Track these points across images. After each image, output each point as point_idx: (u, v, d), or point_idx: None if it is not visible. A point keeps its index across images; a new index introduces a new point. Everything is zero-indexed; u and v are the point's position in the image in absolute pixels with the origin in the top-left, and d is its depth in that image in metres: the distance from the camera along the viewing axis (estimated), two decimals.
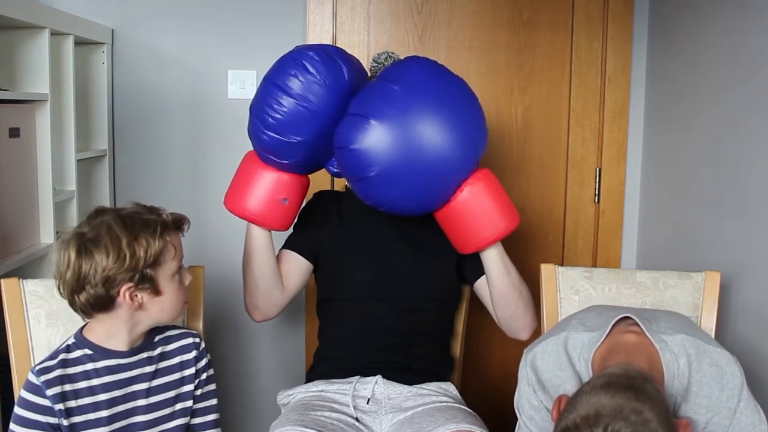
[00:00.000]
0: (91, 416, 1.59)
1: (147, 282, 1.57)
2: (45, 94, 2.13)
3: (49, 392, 1.55)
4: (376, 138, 1.80)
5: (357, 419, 1.91)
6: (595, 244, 2.78)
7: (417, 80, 1.88)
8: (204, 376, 1.74)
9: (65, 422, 1.56)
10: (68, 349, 1.64)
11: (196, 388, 1.72)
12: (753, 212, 1.86)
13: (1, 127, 1.94)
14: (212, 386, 1.76)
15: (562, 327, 1.68)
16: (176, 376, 1.70)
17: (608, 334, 1.57)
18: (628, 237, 2.77)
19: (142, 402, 1.65)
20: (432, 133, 1.83)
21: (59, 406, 1.56)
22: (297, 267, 2.08)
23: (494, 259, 1.95)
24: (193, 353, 1.72)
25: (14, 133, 2.00)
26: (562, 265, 2.03)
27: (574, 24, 2.67)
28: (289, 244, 2.11)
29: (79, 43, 2.42)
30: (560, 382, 1.57)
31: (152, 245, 1.56)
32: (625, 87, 2.69)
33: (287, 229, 2.01)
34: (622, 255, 2.78)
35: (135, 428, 1.64)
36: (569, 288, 1.97)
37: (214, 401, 1.76)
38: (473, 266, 2.06)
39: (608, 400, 1.26)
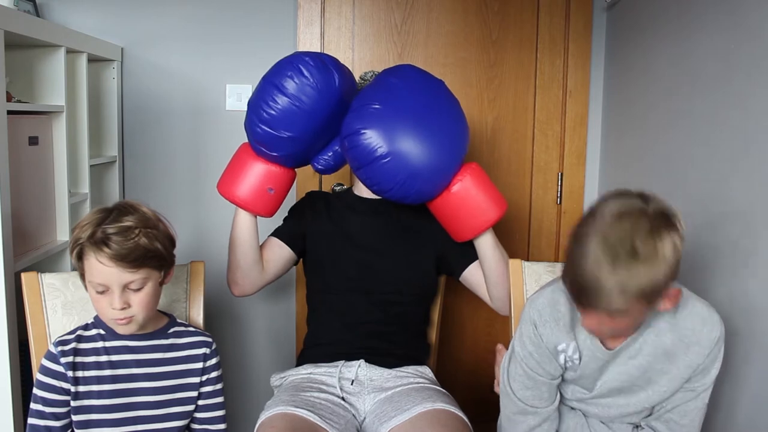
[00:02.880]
0: (94, 388, 1.61)
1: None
2: (61, 106, 2.12)
3: (63, 360, 1.59)
4: (381, 119, 1.79)
5: (343, 398, 1.91)
6: (558, 241, 2.76)
7: (412, 76, 1.90)
8: (213, 374, 1.72)
9: (73, 389, 1.59)
10: (86, 327, 1.67)
11: (202, 384, 1.70)
12: (699, 212, 1.86)
13: (22, 135, 1.93)
14: (220, 385, 1.73)
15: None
16: (181, 366, 1.68)
17: None
18: None
19: (145, 384, 1.64)
20: (432, 115, 1.83)
21: (70, 373, 1.59)
22: (279, 254, 2.08)
23: (489, 243, 1.95)
24: (203, 350, 1.71)
25: (33, 141, 2.00)
26: (527, 260, 2.02)
27: (539, 43, 2.67)
28: (276, 233, 2.10)
29: (92, 60, 2.42)
30: (559, 315, 1.55)
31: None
32: (584, 100, 2.68)
33: (271, 215, 2.00)
34: None
35: (139, 407, 1.64)
36: (534, 281, 1.95)
37: (220, 399, 1.73)
38: (458, 259, 2.05)
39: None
